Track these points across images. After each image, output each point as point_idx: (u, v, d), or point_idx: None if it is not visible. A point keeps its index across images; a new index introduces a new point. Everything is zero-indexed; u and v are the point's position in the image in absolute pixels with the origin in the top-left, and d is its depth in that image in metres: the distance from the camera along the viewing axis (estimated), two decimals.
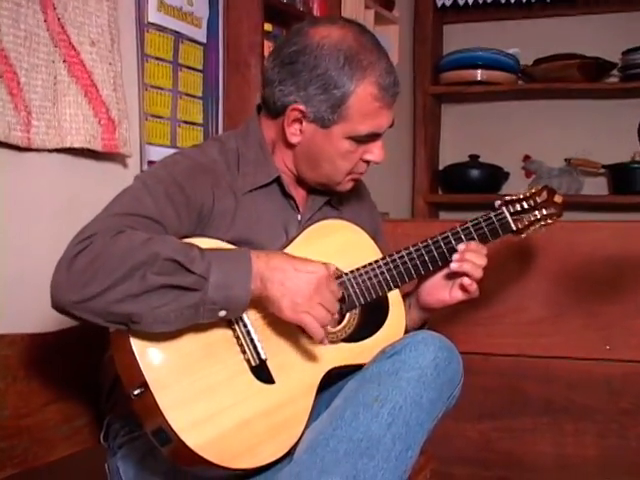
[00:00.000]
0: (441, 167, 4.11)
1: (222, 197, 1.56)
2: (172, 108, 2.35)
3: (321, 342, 1.48)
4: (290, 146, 1.63)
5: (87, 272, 1.30)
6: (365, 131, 1.58)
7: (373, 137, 1.61)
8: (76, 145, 1.93)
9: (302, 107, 1.57)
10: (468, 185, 3.94)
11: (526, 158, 4.03)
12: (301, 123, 1.59)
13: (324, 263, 1.47)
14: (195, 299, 1.34)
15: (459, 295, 1.71)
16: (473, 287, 1.69)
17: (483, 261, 1.68)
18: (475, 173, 3.95)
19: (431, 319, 1.83)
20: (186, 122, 2.41)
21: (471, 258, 1.67)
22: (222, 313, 1.38)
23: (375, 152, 1.63)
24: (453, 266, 1.68)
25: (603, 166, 3.85)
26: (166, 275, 1.32)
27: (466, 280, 1.68)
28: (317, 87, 1.55)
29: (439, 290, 1.73)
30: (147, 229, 1.39)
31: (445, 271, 1.71)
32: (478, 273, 1.68)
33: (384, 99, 1.57)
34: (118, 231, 1.35)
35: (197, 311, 1.35)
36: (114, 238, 1.34)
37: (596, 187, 3.92)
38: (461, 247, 1.69)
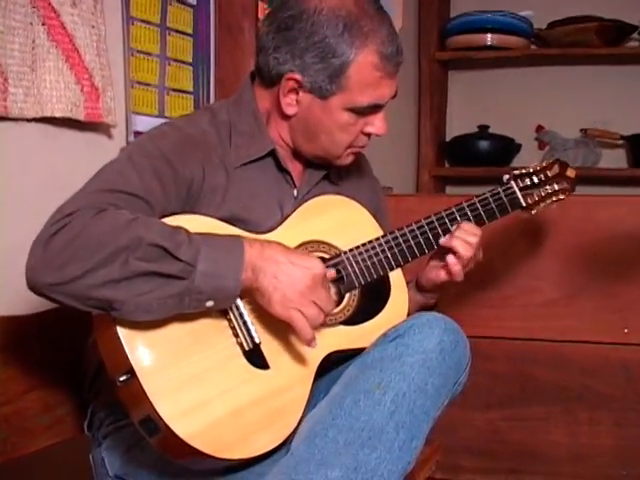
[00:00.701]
0: (448, 138, 4.10)
1: (213, 172, 1.56)
2: (160, 75, 2.34)
3: (309, 344, 1.47)
4: (286, 117, 1.63)
5: (65, 253, 1.30)
6: (365, 102, 1.58)
7: (374, 109, 1.60)
8: (57, 114, 1.92)
9: (298, 77, 1.56)
10: (477, 158, 3.93)
11: (539, 129, 4.02)
12: (297, 93, 1.58)
13: (321, 260, 1.48)
14: (180, 288, 1.34)
15: (441, 275, 1.72)
16: (456, 268, 1.69)
17: (474, 239, 1.69)
18: (484, 145, 3.94)
19: (436, 305, 1.84)
20: (175, 90, 2.40)
21: (461, 235, 1.69)
22: (209, 303, 1.38)
23: (376, 124, 1.63)
24: (441, 240, 1.69)
25: (622, 137, 3.84)
26: (150, 261, 1.32)
27: (450, 258, 1.69)
28: (314, 55, 1.54)
29: (431, 269, 1.75)
30: (132, 207, 1.39)
31: (439, 250, 1.73)
32: (467, 251, 1.68)
33: (386, 68, 1.57)
34: (100, 209, 1.35)
35: (182, 300, 1.35)
36: (95, 217, 1.33)
37: (614, 159, 3.92)
38: (454, 227, 1.70)
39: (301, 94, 1.58)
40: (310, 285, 1.43)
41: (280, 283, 1.41)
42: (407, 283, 1.74)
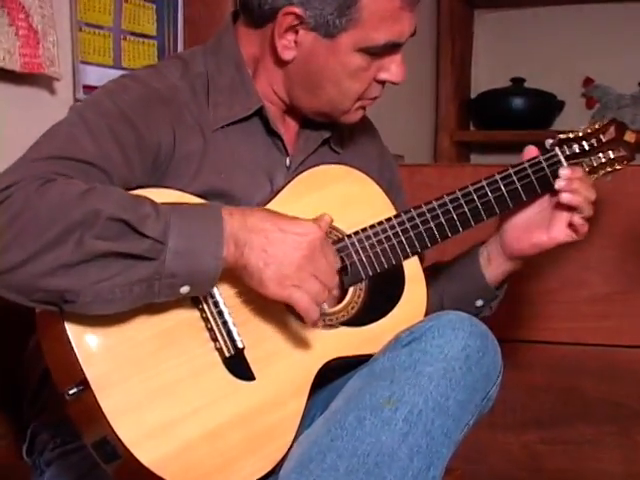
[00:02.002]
0: (473, 95, 4.11)
1: (186, 136, 1.57)
2: (115, 14, 2.34)
3: (314, 325, 1.49)
4: (281, 64, 1.63)
5: (4, 235, 1.31)
6: (382, 40, 1.59)
7: (391, 49, 1.61)
8: None
9: (298, 10, 1.56)
10: (509, 118, 3.94)
11: (587, 82, 4.02)
12: (297, 32, 1.59)
13: (316, 220, 1.49)
14: (148, 271, 1.35)
15: (562, 235, 1.74)
16: (585, 228, 1.73)
17: (594, 195, 1.72)
18: (519, 102, 3.95)
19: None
20: (134, 34, 2.40)
21: (582, 189, 1.71)
22: (184, 289, 1.39)
23: (393, 69, 1.64)
24: (564, 197, 1.71)
25: None
26: (110, 239, 1.33)
27: (577, 218, 1.71)
28: None
29: (534, 230, 1.76)
30: (85, 178, 1.40)
31: (538, 206, 1.75)
32: (589, 210, 1.72)
33: None
34: (46, 180, 1.35)
35: (151, 286, 1.36)
36: (41, 190, 1.34)
37: None
38: (565, 173, 1.72)
39: (302, 33, 1.59)
40: (307, 255, 1.44)
41: (271, 257, 1.42)
42: (472, 253, 1.79)
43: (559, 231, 1.73)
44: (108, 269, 1.33)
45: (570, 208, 1.71)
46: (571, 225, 1.72)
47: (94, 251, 1.32)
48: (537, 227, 1.75)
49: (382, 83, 1.66)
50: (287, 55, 1.61)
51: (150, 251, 1.34)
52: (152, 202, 1.38)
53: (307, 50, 1.60)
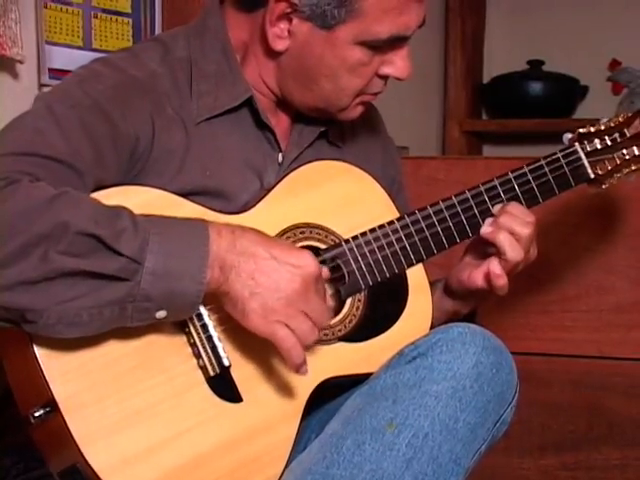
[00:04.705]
0: (486, 80, 4.11)
1: (166, 128, 1.58)
2: None
3: (297, 370, 1.48)
4: (273, 54, 1.64)
5: None
6: (385, 34, 1.59)
7: (396, 42, 1.62)
8: None
9: None
10: (526, 106, 3.95)
11: (614, 64, 4.03)
12: (290, 21, 1.59)
13: (313, 255, 1.49)
14: (121, 293, 1.35)
15: (478, 281, 1.71)
16: (500, 281, 1.68)
17: (526, 230, 1.67)
18: (537, 88, 3.95)
19: (475, 316, 1.85)
20: (106, 11, 2.40)
21: (508, 224, 1.68)
22: (160, 314, 1.39)
23: (398, 64, 1.64)
24: (484, 231, 1.69)
25: None
26: (79, 256, 1.33)
27: (493, 264, 1.67)
28: None
29: (464, 267, 1.75)
30: (54, 177, 1.40)
31: (478, 241, 1.73)
32: (516, 252, 1.67)
33: None
34: (10, 181, 1.35)
35: (123, 310, 1.36)
36: (3, 193, 1.34)
37: None
38: (497, 208, 1.70)
39: (296, 22, 1.59)
40: (299, 290, 1.44)
41: (259, 287, 1.42)
42: (432, 284, 1.75)
43: (477, 274, 1.71)
44: (75, 289, 1.33)
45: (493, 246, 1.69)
46: (486, 272, 1.69)
47: (60, 268, 1.32)
48: (469, 264, 1.75)
49: (385, 78, 1.66)
50: (279, 45, 1.61)
51: (124, 271, 1.34)
52: (130, 214, 1.38)
53: (301, 41, 1.60)
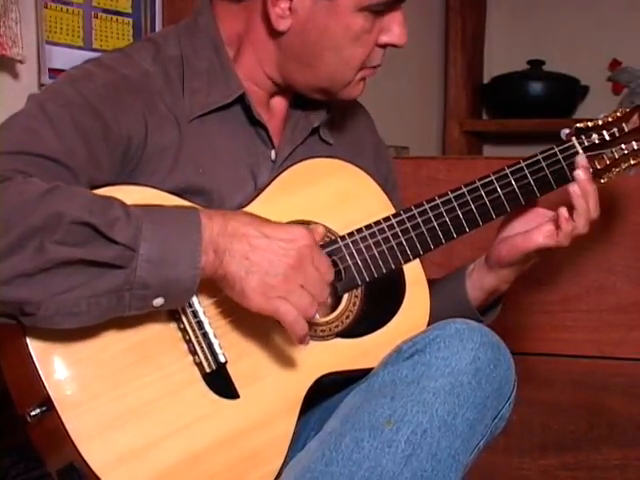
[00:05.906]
0: (486, 79, 4.11)
1: (159, 127, 1.58)
2: None
3: (302, 341, 1.49)
4: (274, 36, 1.64)
5: None
6: None
7: (392, 5, 1.63)
8: None
9: None
10: (527, 106, 3.95)
11: (614, 64, 4.02)
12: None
13: (306, 226, 1.49)
14: (118, 281, 1.35)
15: (539, 239, 1.73)
16: (570, 226, 1.71)
17: (596, 213, 1.73)
18: (537, 88, 3.95)
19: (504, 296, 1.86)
20: (106, 11, 2.40)
21: (592, 197, 1.72)
22: (158, 301, 1.39)
23: (395, 31, 1.65)
24: (574, 189, 1.71)
25: None
26: (74, 245, 1.33)
27: (564, 211, 1.70)
28: None
29: (511, 237, 1.76)
30: (46, 175, 1.40)
31: (528, 211, 1.77)
32: (594, 206, 1.73)
33: None
34: (2, 179, 1.35)
35: (121, 298, 1.36)
36: None
37: None
38: (584, 162, 1.75)
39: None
40: (294, 264, 1.44)
41: (254, 266, 1.42)
42: (462, 267, 1.78)
43: (538, 231, 1.73)
44: (72, 279, 1.33)
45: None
46: (548, 224, 1.73)
47: (56, 258, 1.32)
48: (519, 228, 1.76)
49: (384, 47, 1.67)
50: (282, 25, 1.61)
51: (119, 258, 1.34)
52: (122, 204, 1.38)
53: (304, 16, 1.61)
